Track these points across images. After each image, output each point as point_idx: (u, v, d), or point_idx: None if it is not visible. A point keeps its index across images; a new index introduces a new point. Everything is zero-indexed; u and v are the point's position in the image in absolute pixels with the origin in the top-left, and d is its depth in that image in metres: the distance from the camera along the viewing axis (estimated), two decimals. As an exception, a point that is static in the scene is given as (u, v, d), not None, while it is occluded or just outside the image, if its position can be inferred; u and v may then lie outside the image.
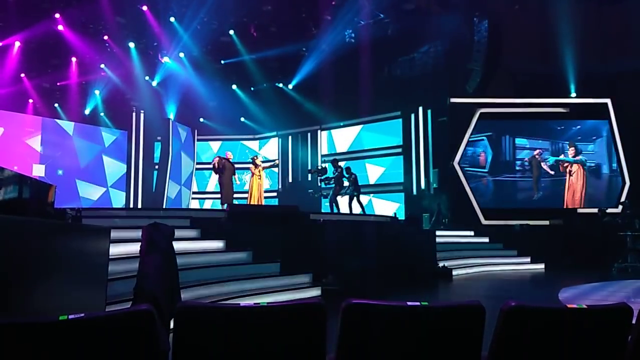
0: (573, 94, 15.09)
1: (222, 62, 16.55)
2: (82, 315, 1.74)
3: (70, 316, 1.71)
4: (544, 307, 1.98)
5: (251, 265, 7.87)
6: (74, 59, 15.20)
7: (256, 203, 12.20)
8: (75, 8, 13.17)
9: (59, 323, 1.71)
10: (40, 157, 15.35)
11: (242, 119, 19.34)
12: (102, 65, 15.72)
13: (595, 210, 13.85)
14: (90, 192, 16.24)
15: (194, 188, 18.88)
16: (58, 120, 16.00)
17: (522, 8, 14.76)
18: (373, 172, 16.79)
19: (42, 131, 15.51)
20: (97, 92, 16.46)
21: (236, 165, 12.66)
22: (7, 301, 2.46)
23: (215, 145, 19.62)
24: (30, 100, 15.56)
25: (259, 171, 12.51)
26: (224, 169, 11.96)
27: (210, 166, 12.59)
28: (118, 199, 16.91)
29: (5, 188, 3.48)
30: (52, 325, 1.72)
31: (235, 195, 12.59)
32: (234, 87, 18.16)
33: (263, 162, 13.39)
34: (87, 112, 16.96)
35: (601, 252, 12.36)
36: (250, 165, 12.69)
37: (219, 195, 12.39)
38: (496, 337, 1.94)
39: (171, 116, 16.88)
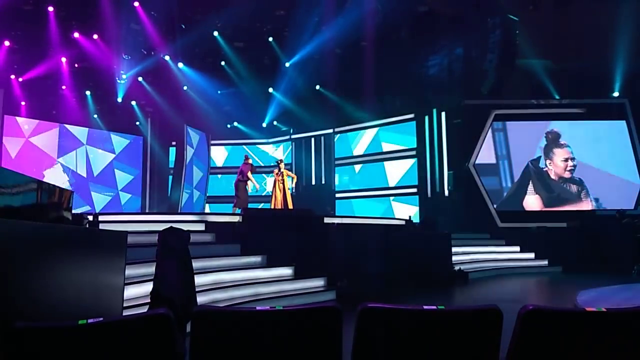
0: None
1: (223, 63, 16.60)
2: (101, 319, 1.77)
3: (89, 320, 1.74)
4: (562, 310, 1.96)
5: (266, 269, 7.90)
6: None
7: (280, 207, 12.25)
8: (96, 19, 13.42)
9: (79, 327, 1.73)
10: (56, 162, 15.59)
11: (264, 124, 19.32)
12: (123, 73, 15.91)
13: (613, 212, 13.65)
14: (102, 196, 16.45)
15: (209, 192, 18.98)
16: (72, 126, 16.22)
17: (536, 8, 14.62)
18: (392, 175, 16.72)
19: (59, 137, 15.76)
20: (119, 98, 16.62)
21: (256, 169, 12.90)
22: (27, 305, 2.50)
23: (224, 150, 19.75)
24: (53, 112, 15.82)
25: (282, 175, 12.56)
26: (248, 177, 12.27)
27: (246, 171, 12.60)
28: (128, 202, 17.09)
29: (24, 194, 3.54)
30: (72, 329, 1.74)
31: (254, 200, 12.69)
32: (247, 91, 18.20)
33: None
34: (106, 118, 17.12)
35: (620, 255, 12.16)
36: (275, 169, 12.84)
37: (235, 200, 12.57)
38: (514, 340, 1.92)
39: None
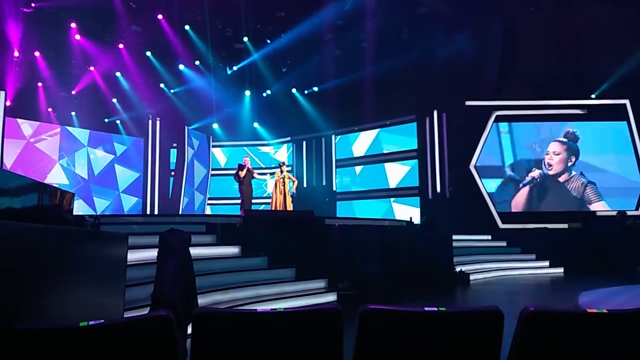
0: (593, 96, 14.89)
1: (235, 67, 16.65)
2: (102, 321, 1.77)
3: (91, 322, 1.73)
4: (564, 311, 1.95)
5: (267, 271, 7.89)
6: (91, 68, 15.45)
7: (279, 209, 12.23)
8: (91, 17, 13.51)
9: (80, 329, 1.73)
10: (58, 164, 15.61)
11: (255, 125, 19.35)
12: (118, 74, 15.94)
13: (614, 213, 13.63)
14: (103, 198, 16.47)
15: (209, 194, 18.98)
16: (74, 128, 16.25)
17: (537, 9, 14.62)
18: (393, 176, 16.71)
19: (60, 139, 15.78)
20: (114, 100, 16.67)
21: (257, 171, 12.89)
22: (28, 307, 2.50)
23: (226, 152, 19.73)
24: (49, 109, 15.83)
25: (283, 178, 12.54)
26: (245, 177, 12.19)
27: (234, 172, 12.61)
28: (129, 204, 17.11)
29: (26, 197, 3.54)
30: (73, 331, 1.74)
31: (256, 201, 12.70)
32: (247, 93, 18.19)
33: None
34: (105, 120, 17.18)
35: (622, 256, 12.13)
36: (277, 171, 12.82)
37: (238, 202, 12.61)
38: (515, 342, 1.92)
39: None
